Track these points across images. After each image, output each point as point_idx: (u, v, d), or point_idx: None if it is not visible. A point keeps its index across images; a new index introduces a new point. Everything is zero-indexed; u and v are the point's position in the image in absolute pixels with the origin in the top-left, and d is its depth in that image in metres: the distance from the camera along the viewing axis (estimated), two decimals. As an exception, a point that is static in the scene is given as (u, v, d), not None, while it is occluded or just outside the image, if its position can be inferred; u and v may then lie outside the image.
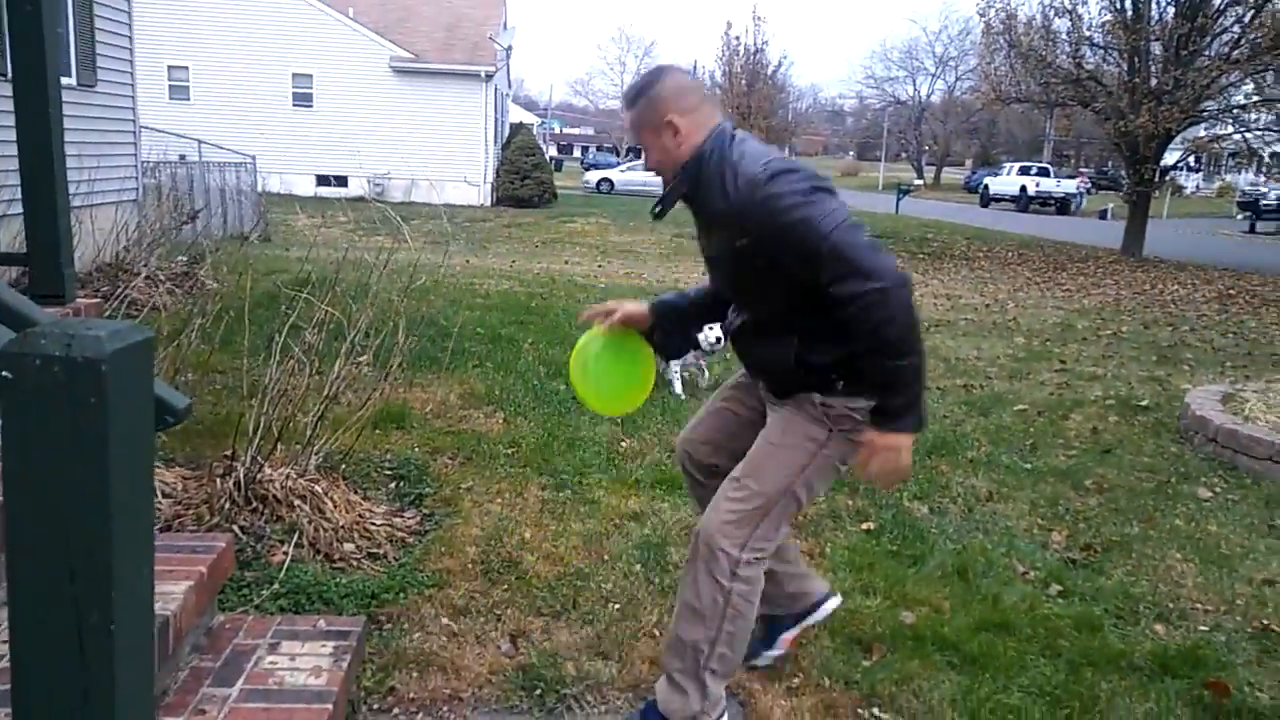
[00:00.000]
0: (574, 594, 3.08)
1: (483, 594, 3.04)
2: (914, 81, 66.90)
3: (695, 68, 62.97)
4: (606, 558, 3.39)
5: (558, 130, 76.82)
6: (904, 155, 69.73)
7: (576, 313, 8.22)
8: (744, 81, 47.44)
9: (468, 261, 12.11)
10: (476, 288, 9.56)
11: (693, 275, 12.31)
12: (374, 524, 3.43)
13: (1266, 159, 23.21)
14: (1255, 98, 19.35)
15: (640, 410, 4.08)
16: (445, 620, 2.85)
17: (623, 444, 4.70)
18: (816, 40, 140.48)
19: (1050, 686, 2.66)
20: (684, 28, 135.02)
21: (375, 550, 3.27)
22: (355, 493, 3.67)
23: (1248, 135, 20.39)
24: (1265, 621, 3.10)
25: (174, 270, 7.90)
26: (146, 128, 10.43)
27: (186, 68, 24.27)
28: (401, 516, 3.61)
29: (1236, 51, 16.91)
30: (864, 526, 3.82)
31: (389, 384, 4.10)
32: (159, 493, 3.28)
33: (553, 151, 61.99)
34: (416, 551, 3.31)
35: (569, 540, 3.51)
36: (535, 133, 33.28)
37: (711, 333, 4.96)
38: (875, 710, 2.53)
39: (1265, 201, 30.27)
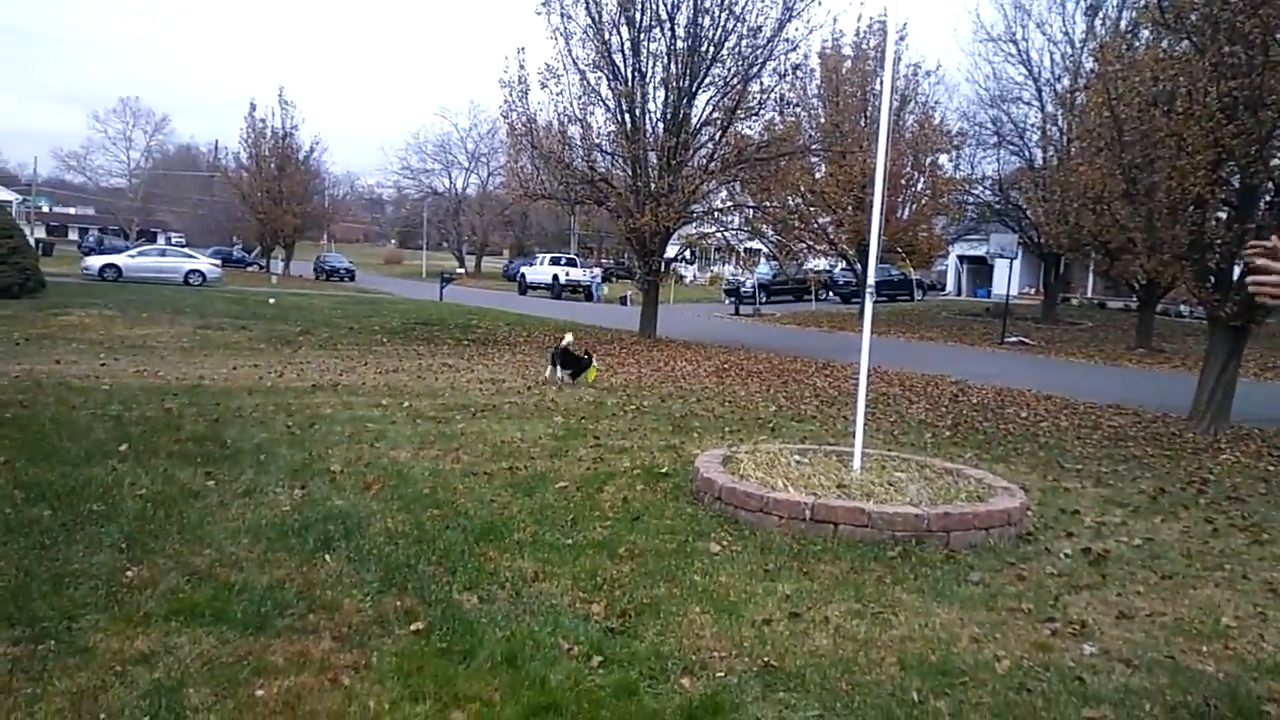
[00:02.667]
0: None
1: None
2: (449, 174, 69.61)
3: (216, 148, 59.12)
4: (103, 717, 2.82)
5: (46, 209, 66.73)
6: (445, 244, 71.83)
7: (78, 423, 7.02)
8: (274, 165, 45.44)
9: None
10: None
11: (221, 371, 11.26)
12: None
13: (741, 253, 27.84)
14: (729, 203, 23.24)
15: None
16: None
17: (128, 573, 4.02)
18: (350, 127, 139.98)
19: (596, 762, 2.74)
20: (200, 103, 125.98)
21: None
22: None
23: (726, 233, 24.34)
24: (765, 659, 3.53)
25: None
26: None
27: None
28: None
29: (712, 164, 20.17)
30: (413, 628, 3.66)
31: None
32: None
33: (41, 233, 53.61)
34: None
35: (49, 705, 2.87)
36: (14, 211, 28.40)
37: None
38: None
39: (744, 289, 36.27)
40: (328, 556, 4.44)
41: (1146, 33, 13.21)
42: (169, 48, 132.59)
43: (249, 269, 52.84)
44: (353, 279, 49.50)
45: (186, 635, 3.45)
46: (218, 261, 39.39)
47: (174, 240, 60.22)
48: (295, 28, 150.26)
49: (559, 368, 11.86)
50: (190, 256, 37.39)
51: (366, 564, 4.36)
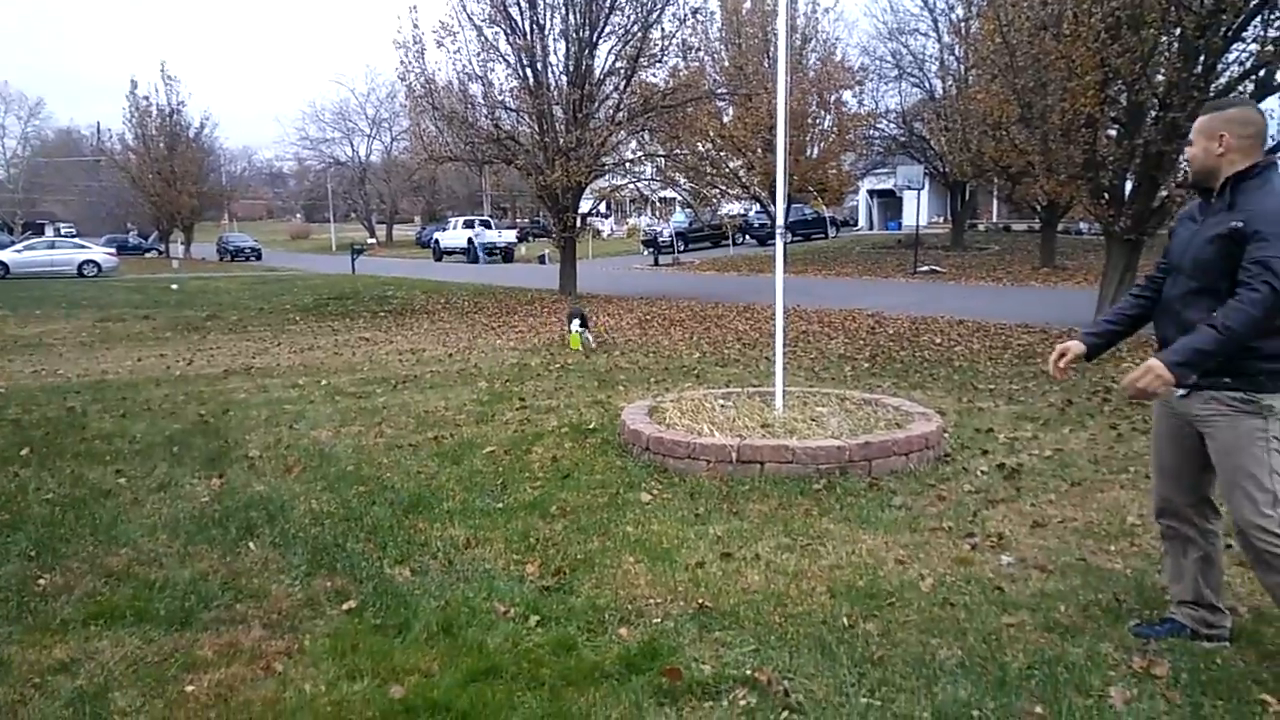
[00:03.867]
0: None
1: None
2: (351, 142, 67.63)
3: (99, 131, 56.19)
4: (24, 732, 2.73)
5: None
6: (353, 215, 70.02)
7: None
8: (162, 144, 43.46)
9: None
10: None
11: (126, 364, 10.82)
12: None
13: (656, 203, 27.76)
14: (639, 153, 23.10)
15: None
16: None
17: (40, 581, 3.87)
18: (241, 101, 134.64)
19: (537, 718, 2.76)
20: (76, 86, 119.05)
21: None
22: None
23: (639, 184, 24.21)
24: (700, 600, 3.59)
25: None
26: None
27: None
28: None
29: (619, 114, 19.97)
30: (345, 607, 3.62)
31: None
32: None
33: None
34: None
35: (-35, 725, 2.76)
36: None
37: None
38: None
39: (661, 239, 36.27)
40: (251, 544, 4.34)
41: (1033, -43, 13.48)
42: (34, 29, 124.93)
43: (147, 255, 50.72)
44: (259, 258, 47.88)
45: (108, 638, 3.34)
46: (112, 250, 37.78)
47: (63, 231, 57.15)
48: (171, 1, 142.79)
49: (586, 329, 11.50)
50: (82, 247, 35.74)
51: (293, 548, 4.28)
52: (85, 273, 31.99)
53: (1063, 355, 3.31)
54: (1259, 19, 10.40)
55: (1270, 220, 2.79)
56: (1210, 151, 2.98)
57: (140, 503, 5.03)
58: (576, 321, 11.40)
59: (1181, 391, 3.00)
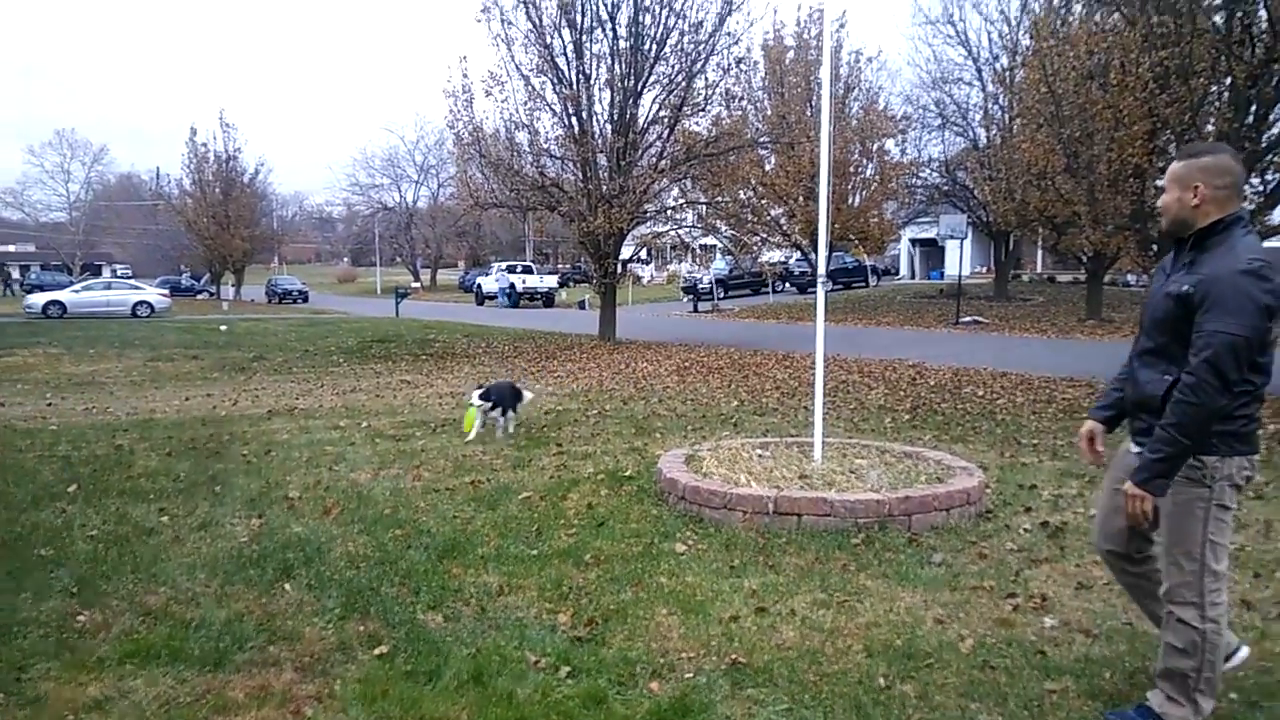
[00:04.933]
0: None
1: None
2: (399, 188, 69.07)
3: (158, 176, 58.10)
4: (56, 771, 2.75)
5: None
6: (399, 259, 71.25)
7: (24, 466, 6.85)
8: (218, 190, 44.79)
9: None
10: None
11: (174, 403, 11.05)
12: None
13: (696, 250, 27.90)
14: (681, 200, 23.29)
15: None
16: None
17: (80, 617, 3.93)
18: (295, 147, 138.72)
19: (566, 774, 2.72)
20: (138, 133, 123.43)
21: None
22: None
23: (680, 231, 24.37)
24: (733, 656, 3.53)
25: None
26: None
27: None
28: None
29: (662, 162, 20.19)
30: (377, 652, 3.61)
31: None
32: None
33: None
34: None
35: (0, 762, 2.78)
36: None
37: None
38: None
39: (701, 286, 36.38)
40: (287, 586, 4.36)
41: (1079, 7, 13.50)
42: (102, 77, 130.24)
43: (199, 297, 51.98)
44: (306, 300, 48.87)
45: (142, 677, 3.37)
46: (165, 291, 38.76)
47: (119, 272, 59.01)
48: (232, 51, 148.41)
49: (505, 408, 8.32)
50: (137, 288, 36.72)
51: (328, 590, 4.29)
52: (139, 313, 32.84)
53: (1090, 440, 3.24)
54: (1311, 70, 10.27)
55: (1221, 285, 2.68)
56: (1184, 202, 2.87)
57: (181, 541, 5.09)
58: (476, 393, 8.11)
59: (1136, 449, 2.97)
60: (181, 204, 48.19)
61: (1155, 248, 11.36)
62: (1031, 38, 15.97)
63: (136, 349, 19.13)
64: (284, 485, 6.45)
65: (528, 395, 8.91)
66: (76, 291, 34.44)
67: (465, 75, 20.03)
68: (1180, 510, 2.83)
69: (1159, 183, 11.55)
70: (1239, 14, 9.91)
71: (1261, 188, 10.65)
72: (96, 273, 56.17)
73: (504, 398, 8.34)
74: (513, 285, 41.67)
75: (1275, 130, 10.60)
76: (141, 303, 33.60)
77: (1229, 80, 10.21)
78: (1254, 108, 10.22)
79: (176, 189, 50.53)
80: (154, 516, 5.58)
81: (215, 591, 4.29)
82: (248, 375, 14.76)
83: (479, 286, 46.05)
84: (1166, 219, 2.94)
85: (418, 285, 61.46)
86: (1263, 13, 9.94)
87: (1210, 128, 10.68)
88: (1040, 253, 39.87)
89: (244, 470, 6.97)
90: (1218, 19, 10.18)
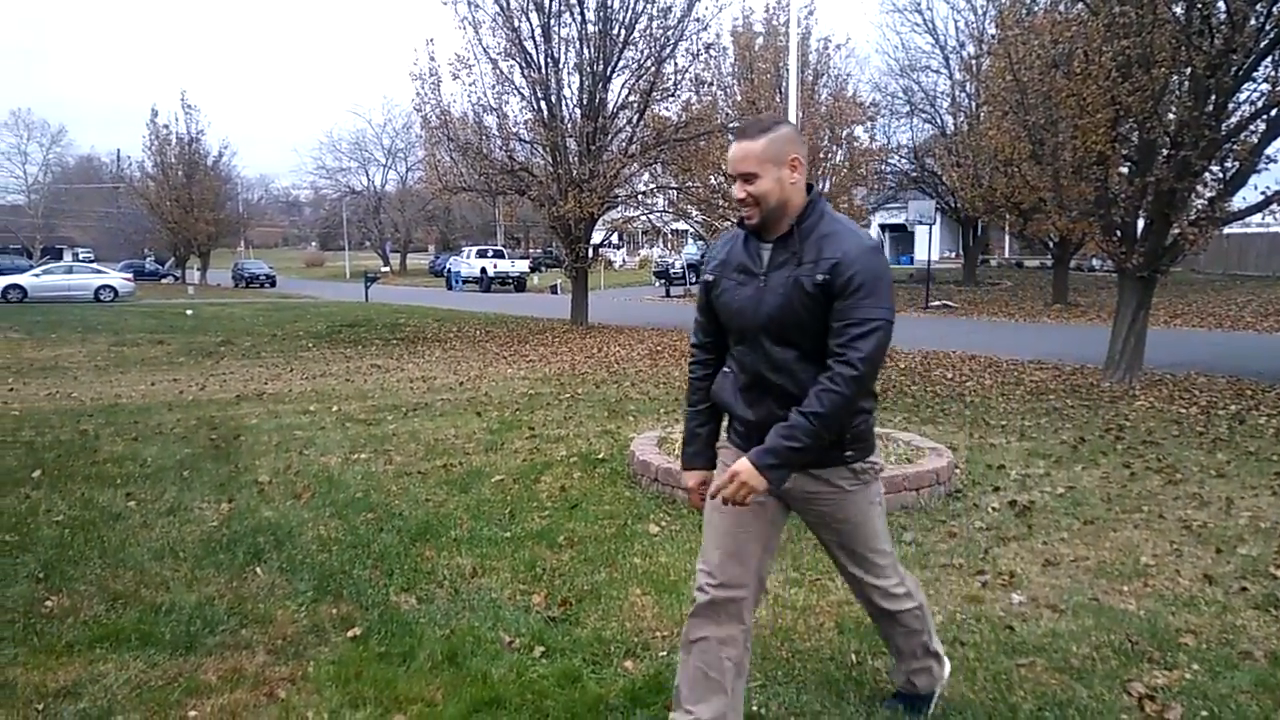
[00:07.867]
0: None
1: None
2: (366, 172, 68.29)
3: (119, 158, 56.96)
4: (26, 756, 2.72)
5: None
6: (368, 243, 70.57)
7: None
8: (181, 172, 44.02)
9: None
10: None
11: (139, 388, 10.88)
12: None
13: (668, 235, 27.88)
14: (652, 185, 23.25)
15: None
16: None
17: (47, 603, 3.87)
18: (260, 130, 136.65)
19: (542, 751, 2.73)
20: (97, 114, 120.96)
21: None
22: None
23: (651, 216, 24.35)
24: (708, 633, 3.55)
25: None
26: None
27: None
28: None
29: (632, 147, 20.13)
30: (350, 634, 3.60)
31: None
32: None
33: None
34: None
35: (-33, 748, 2.75)
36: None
37: None
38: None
39: (673, 270, 36.38)
40: (258, 569, 4.33)
41: (1043, -4, 13.59)
42: (60, 56, 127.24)
43: (163, 281, 51.16)
44: (273, 285, 48.24)
45: (113, 662, 3.33)
46: (129, 275, 38.14)
47: (81, 256, 57.84)
48: (194, 31, 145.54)
49: None
50: (99, 272, 36.07)
51: (299, 573, 4.27)
52: (102, 298, 32.28)
53: None
54: (1270, 59, 10.42)
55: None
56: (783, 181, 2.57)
57: (149, 526, 5.03)
58: None
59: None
60: (144, 187, 47.26)
61: (1118, 233, 11.53)
62: (997, 26, 16.05)
63: (100, 334, 18.81)
64: (254, 470, 6.39)
65: None
66: (37, 275, 33.78)
67: (432, 58, 19.96)
68: (863, 511, 2.71)
69: (1121, 169, 11.72)
70: (1198, 5, 10.04)
71: (1221, 175, 10.82)
72: (58, 256, 54.97)
73: None
74: (503, 273, 41.45)
75: (1234, 119, 10.77)
76: (104, 287, 33.02)
77: (1189, 70, 10.34)
78: (1213, 96, 10.36)
79: (138, 171, 49.60)
80: (121, 501, 5.52)
81: (185, 576, 4.25)
82: (215, 360, 14.57)
83: (449, 270, 45.76)
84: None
85: (387, 269, 60.91)
86: (1221, 4, 10.07)
87: (1171, 116, 10.82)
88: (1008, 238, 40.34)
89: (212, 455, 6.89)
90: (1178, 9, 10.30)
